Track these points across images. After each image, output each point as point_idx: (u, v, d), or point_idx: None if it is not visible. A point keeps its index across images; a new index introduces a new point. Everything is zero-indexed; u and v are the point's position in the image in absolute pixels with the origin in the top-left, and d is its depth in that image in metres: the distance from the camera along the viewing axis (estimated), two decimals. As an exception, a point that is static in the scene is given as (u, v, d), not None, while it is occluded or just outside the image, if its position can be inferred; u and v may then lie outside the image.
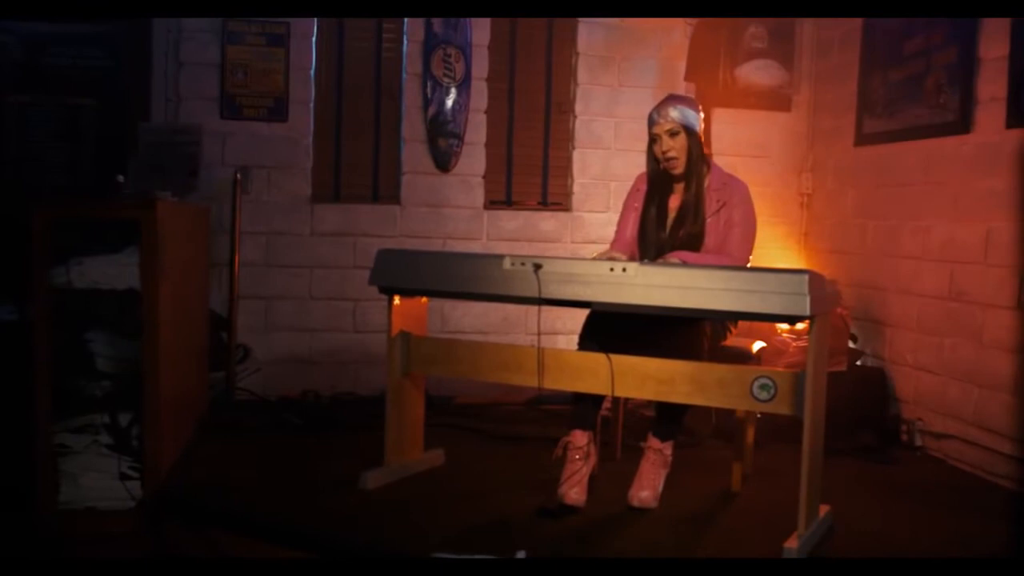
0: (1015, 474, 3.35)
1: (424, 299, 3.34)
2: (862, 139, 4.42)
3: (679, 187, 3.17)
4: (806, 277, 2.51)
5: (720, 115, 4.75)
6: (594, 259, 2.96)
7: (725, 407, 2.93)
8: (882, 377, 4.12)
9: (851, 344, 4.21)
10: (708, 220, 3.10)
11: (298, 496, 3.06)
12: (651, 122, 3.15)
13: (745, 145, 4.83)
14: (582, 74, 4.76)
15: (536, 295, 2.81)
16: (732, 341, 3.26)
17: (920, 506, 3.19)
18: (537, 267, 2.83)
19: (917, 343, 3.96)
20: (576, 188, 4.80)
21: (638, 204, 3.23)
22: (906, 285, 4.04)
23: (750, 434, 3.37)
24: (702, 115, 3.17)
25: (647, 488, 3.00)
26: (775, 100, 4.83)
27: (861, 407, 3.96)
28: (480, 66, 4.64)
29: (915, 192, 4.01)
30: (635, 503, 2.99)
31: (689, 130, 3.09)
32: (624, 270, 2.73)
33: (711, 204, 3.11)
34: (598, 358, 2.89)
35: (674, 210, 3.16)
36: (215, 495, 3.05)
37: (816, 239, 4.86)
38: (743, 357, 3.16)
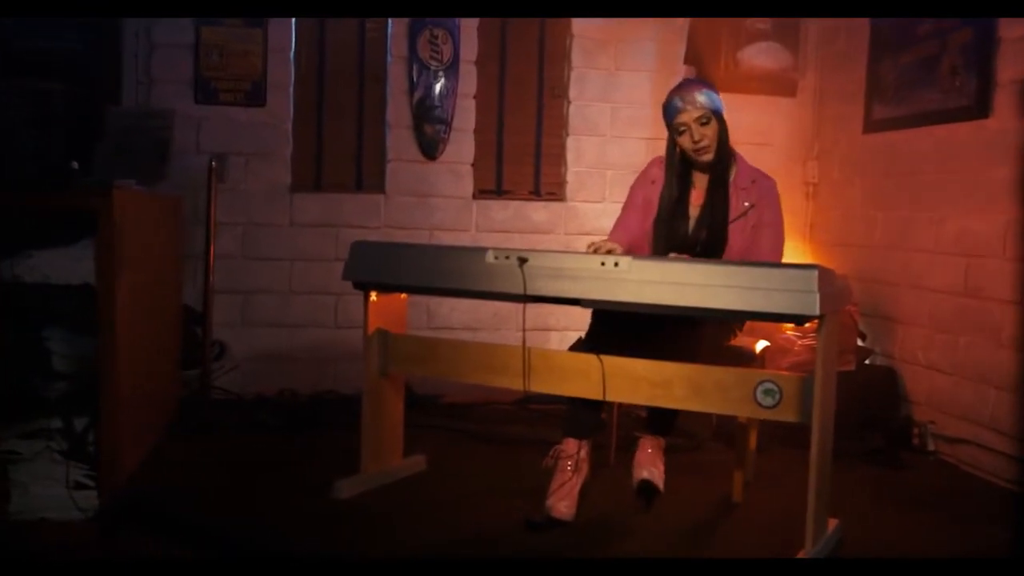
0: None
1: (403, 294, 3.14)
2: (871, 125, 4.25)
3: (701, 179, 2.91)
4: (815, 273, 2.30)
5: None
6: (590, 247, 2.76)
7: (725, 413, 2.72)
8: (892, 377, 3.95)
9: (859, 342, 4.03)
10: (734, 223, 2.84)
11: (266, 506, 2.86)
12: (675, 110, 2.83)
13: (747, 132, 4.54)
14: (576, 57, 4.58)
15: (521, 292, 2.60)
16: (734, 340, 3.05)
17: (932, 514, 3.01)
18: (522, 261, 2.62)
19: (929, 341, 3.78)
20: (570, 177, 4.62)
21: (650, 195, 2.96)
22: (918, 280, 3.87)
23: (752, 439, 3.18)
24: (721, 99, 2.90)
25: (651, 466, 2.78)
26: (779, 85, 4.66)
27: (870, 408, 3.79)
28: (469, 48, 4.46)
29: (928, 181, 3.83)
30: (645, 475, 2.76)
31: (719, 116, 2.84)
32: (616, 265, 2.52)
33: (737, 204, 2.85)
34: (589, 359, 2.69)
35: (696, 207, 2.90)
36: (176, 505, 2.85)
37: (822, 231, 4.69)
38: (745, 358, 2.95)
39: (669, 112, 2.85)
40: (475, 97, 4.50)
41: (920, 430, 3.75)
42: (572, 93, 4.59)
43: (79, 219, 2.92)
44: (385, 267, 2.88)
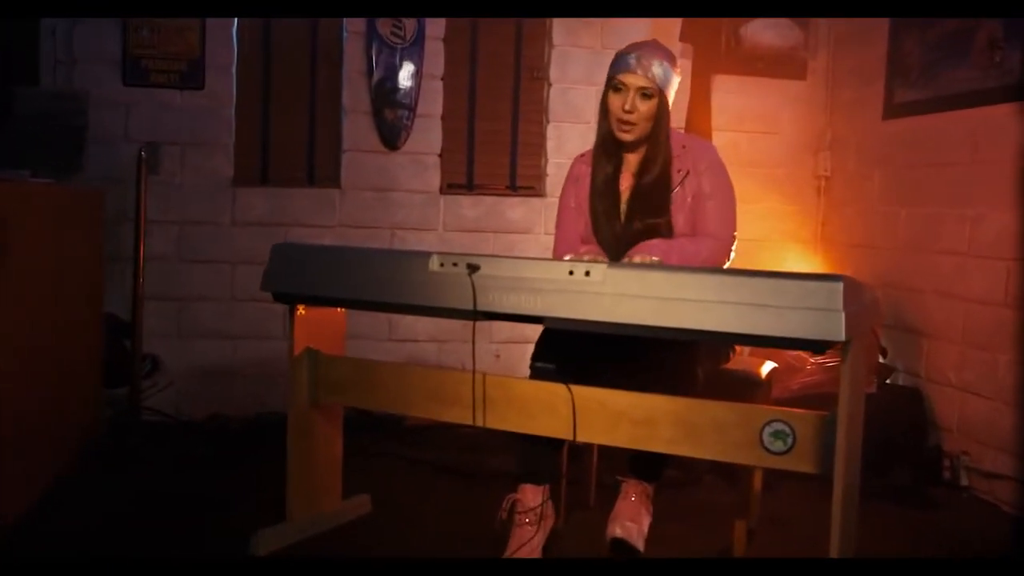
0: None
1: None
2: (893, 110, 3.88)
3: (631, 159, 2.56)
4: (840, 286, 1.81)
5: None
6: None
7: (724, 460, 2.25)
8: (918, 399, 3.53)
9: (880, 359, 3.60)
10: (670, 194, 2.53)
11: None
12: (624, 66, 2.48)
13: (751, 119, 4.32)
14: (558, 34, 4.20)
15: (471, 307, 2.12)
16: (734, 362, 2.58)
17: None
18: (473, 269, 2.15)
19: (962, 358, 3.37)
20: (550, 169, 4.23)
21: (580, 195, 2.65)
22: (948, 287, 3.48)
23: (757, 479, 2.70)
24: (678, 79, 2.57)
25: (629, 520, 2.34)
26: (787, 66, 4.33)
27: (893, 436, 3.33)
28: (436, 23, 4.08)
29: (960, 173, 3.45)
30: (618, 533, 2.32)
31: (664, 97, 2.50)
32: (588, 274, 2.05)
33: (673, 177, 2.53)
34: (556, 389, 2.23)
35: (626, 191, 2.56)
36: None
37: (835, 230, 4.32)
38: (748, 385, 2.48)
39: (616, 64, 2.53)
40: (443, 79, 4.12)
41: (951, 462, 3.33)
42: (553, 74, 4.22)
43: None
44: (309, 275, 2.41)
